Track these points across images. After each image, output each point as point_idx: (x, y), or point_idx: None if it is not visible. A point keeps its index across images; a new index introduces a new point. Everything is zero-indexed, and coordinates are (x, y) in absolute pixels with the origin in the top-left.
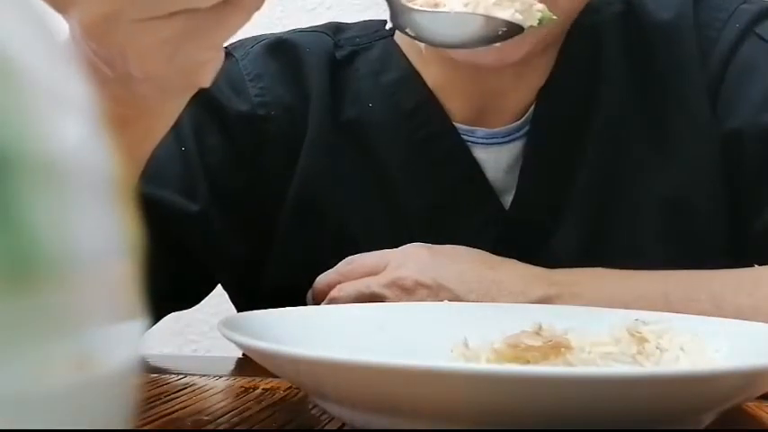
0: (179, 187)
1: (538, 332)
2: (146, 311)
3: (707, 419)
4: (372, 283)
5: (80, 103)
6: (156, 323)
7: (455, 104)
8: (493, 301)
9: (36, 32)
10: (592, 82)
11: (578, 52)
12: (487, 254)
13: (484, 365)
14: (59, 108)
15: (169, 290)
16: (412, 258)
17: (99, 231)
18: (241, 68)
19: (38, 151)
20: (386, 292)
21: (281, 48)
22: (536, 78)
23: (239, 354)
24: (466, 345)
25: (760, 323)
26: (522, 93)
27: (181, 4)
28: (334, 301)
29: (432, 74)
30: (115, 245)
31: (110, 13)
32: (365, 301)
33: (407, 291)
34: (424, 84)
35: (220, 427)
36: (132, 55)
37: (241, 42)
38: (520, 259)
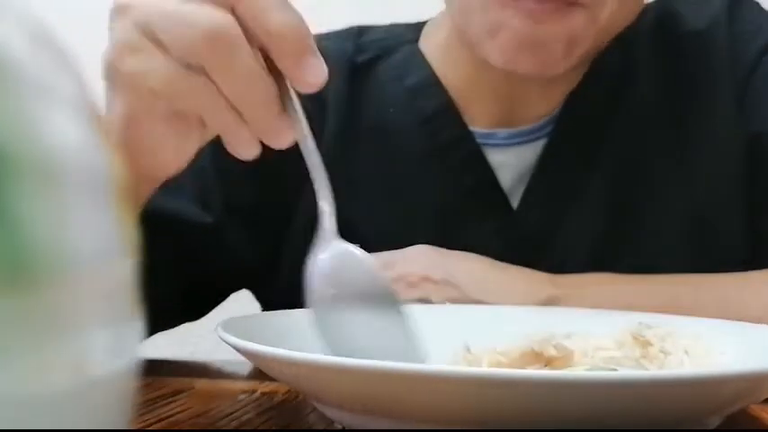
0: (194, 198)
1: (540, 350)
2: (155, 322)
3: (712, 423)
4: None
5: (78, 103)
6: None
7: (478, 108)
8: (499, 300)
9: (34, 34)
10: (620, 88)
11: (610, 61)
12: (495, 261)
13: (487, 369)
14: (57, 109)
15: (180, 300)
16: (421, 255)
17: (97, 232)
18: None
19: (36, 152)
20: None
21: None
22: (565, 86)
23: (238, 357)
24: (468, 349)
25: (765, 325)
26: (549, 99)
27: None
28: None
29: (457, 76)
30: (113, 246)
31: None
32: None
33: (412, 285)
34: (445, 89)
35: (219, 431)
36: None
37: None
38: (526, 263)
